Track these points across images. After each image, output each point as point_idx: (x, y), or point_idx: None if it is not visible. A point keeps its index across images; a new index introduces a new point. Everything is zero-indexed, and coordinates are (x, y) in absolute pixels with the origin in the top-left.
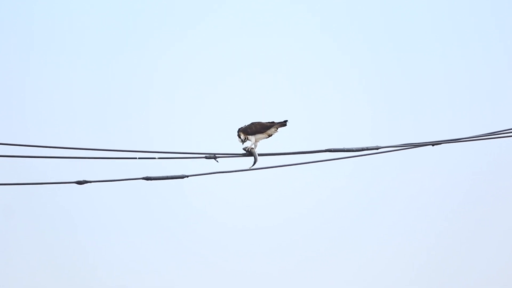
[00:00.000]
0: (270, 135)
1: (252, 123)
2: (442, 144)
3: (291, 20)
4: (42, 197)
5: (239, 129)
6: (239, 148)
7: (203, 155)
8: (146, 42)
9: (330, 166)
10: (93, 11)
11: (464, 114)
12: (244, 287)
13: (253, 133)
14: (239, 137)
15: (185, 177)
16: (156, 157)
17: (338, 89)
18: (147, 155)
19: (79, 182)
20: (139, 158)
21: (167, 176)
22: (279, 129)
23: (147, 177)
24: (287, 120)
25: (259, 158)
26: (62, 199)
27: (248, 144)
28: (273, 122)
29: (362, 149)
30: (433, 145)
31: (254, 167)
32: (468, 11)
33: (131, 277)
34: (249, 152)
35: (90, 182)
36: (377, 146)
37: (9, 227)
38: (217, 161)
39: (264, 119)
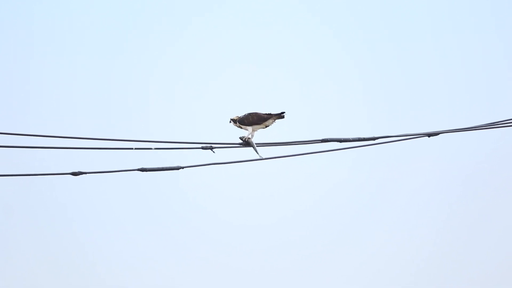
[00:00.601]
0: (267, 126)
1: (249, 114)
2: (439, 135)
3: (288, 13)
4: (37, 188)
5: (238, 120)
6: (236, 138)
7: (200, 146)
8: (146, 35)
9: (326, 156)
10: (95, 2)
11: (462, 105)
12: (239, 278)
13: (250, 124)
14: (231, 122)
15: (180, 168)
16: (153, 148)
17: (334, 79)
18: (144, 145)
19: (74, 173)
20: (135, 148)
21: (163, 168)
22: (277, 120)
23: (142, 168)
24: (284, 112)
25: (257, 147)
26: (57, 191)
27: (245, 134)
28: (270, 114)
29: (359, 140)
30: (429, 135)
31: (260, 155)
32: (466, 1)
33: (127, 268)
34: (246, 142)
35: (85, 173)
36: (373, 136)
37: (5, 217)
38: (213, 151)
39: (261, 110)
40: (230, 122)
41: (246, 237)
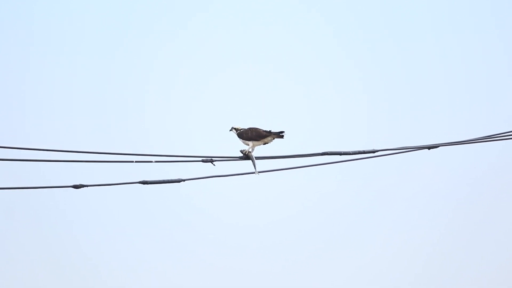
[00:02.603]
0: (265, 143)
1: (250, 129)
2: (438, 148)
3: (287, 23)
4: (39, 201)
5: (237, 133)
6: (236, 151)
7: (200, 159)
8: (141, 45)
9: (326, 169)
10: (86, 14)
11: (461, 117)
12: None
13: (248, 139)
14: (232, 130)
15: (181, 181)
16: (153, 161)
17: (335, 92)
18: (144, 158)
19: (76, 186)
20: (136, 161)
21: (164, 180)
22: (276, 139)
23: (143, 181)
24: (284, 132)
25: (256, 161)
26: (58, 203)
27: (246, 148)
28: (269, 132)
29: (359, 152)
30: (429, 148)
31: (256, 171)
32: (468, 12)
33: (128, 280)
34: (245, 156)
35: (87, 186)
36: (373, 149)
37: (7, 230)
38: (213, 164)
39: (262, 123)
40: (231, 130)
41: (247, 247)
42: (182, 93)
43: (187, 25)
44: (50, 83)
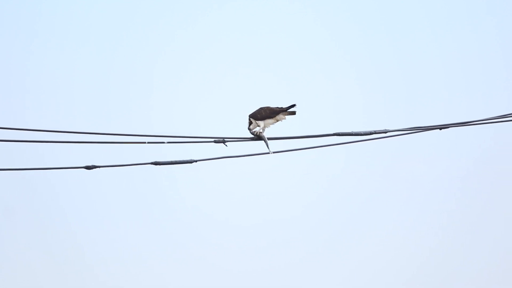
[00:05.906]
0: (278, 121)
1: (261, 108)
2: (449, 128)
3: (298, 8)
4: (51, 182)
5: (249, 115)
6: (248, 132)
7: (212, 139)
8: (155, 28)
9: (338, 150)
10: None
11: (472, 98)
12: (245, 278)
13: (262, 118)
14: (249, 123)
15: (193, 161)
16: (165, 142)
17: (346, 73)
18: (156, 139)
19: (88, 167)
20: (148, 142)
21: (176, 161)
22: (288, 117)
23: (155, 161)
24: (295, 105)
25: (268, 142)
26: (71, 184)
27: (257, 129)
28: (281, 108)
29: (370, 133)
30: (440, 128)
31: (270, 150)
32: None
33: (138, 260)
34: (257, 137)
35: (99, 167)
36: (385, 129)
37: (18, 211)
38: (226, 145)
39: (273, 104)
40: (250, 121)
41: (254, 233)
42: (195, 74)
43: (205, 10)
44: (62, 63)
